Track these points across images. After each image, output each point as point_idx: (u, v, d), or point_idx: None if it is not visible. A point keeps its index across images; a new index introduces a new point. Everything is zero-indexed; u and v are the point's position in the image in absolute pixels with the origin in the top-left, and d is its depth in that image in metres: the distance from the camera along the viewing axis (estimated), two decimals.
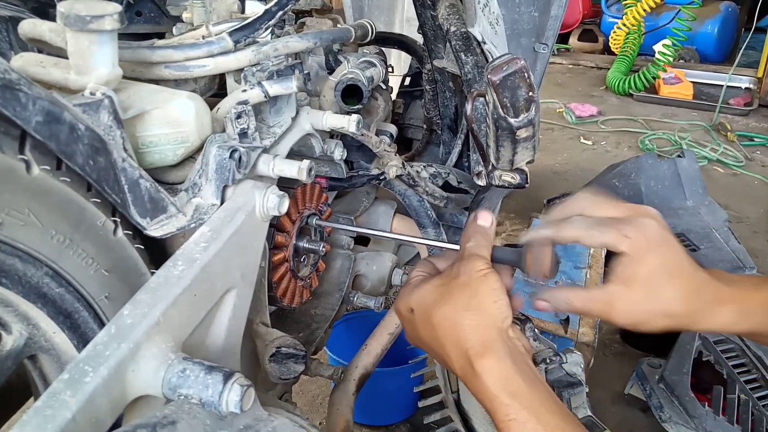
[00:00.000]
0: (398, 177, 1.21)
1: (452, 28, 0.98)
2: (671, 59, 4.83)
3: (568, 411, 0.66)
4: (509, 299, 0.70)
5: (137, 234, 0.74)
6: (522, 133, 0.78)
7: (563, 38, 6.46)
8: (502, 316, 0.68)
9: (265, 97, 0.81)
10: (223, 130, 0.78)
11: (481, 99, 0.82)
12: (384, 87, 1.23)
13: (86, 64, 0.65)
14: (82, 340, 0.73)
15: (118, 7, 0.63)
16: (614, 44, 5.58)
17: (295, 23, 1.18)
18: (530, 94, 0.75)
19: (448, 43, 1.08)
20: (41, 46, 0.73)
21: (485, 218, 0.76)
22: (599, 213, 0.72)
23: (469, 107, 0.80)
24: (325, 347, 1.78)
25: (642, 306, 0.69)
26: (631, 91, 4.95)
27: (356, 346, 1.30)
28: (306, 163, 0.81)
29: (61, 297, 0.69)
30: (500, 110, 0.76)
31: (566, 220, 0.72)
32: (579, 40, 6.45)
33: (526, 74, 0.74)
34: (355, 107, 1.01)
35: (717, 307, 0.70)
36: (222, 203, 0.76)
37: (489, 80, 0.74)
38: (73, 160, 0.60)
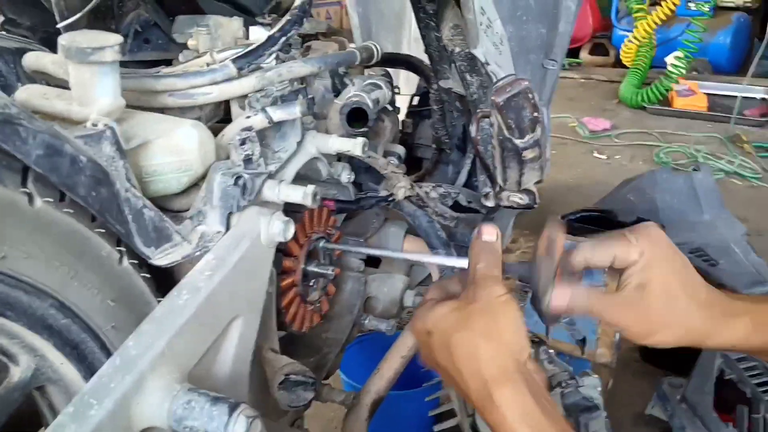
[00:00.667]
0: (407, 198, 1.20)
1: (456, 49, 0.98)
2: (684, 71, 4.80)
3: None
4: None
5: (143, 263, 0.74)
6: (528, 154, 0.77)
7: (574, 52, 6.44)
8: (521, 346, 0.66)
9: (269, 122, 0.81)
10: (228, 157, 0.78)
11: (487, 120, 0.82)
12: (391, 108, 1.23)
13: (88, 96, 0.65)
14: (89, 370, 0.72)
15: (119, 39, 0.63)
16: (626, 57, 5.55)
17: (301, 47, 1.19)
18: (535, 114, 0.74)
19: (453, 64, 1.07)
20: (45, 78, 0.74)
21: (490, 233, 0.72)
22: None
23: (474, 129, 0.79)
24: (339, 370, 1.77)
25: (657, 314, 0.67)
26: (644, 104, 4.90)
27: (370, 368, 1.28)
28: (311, 188, 0.81)
29: (68, 328, 0.69)
30: (505, 131, 0.75)
31: (571, 252, 0.71)
32: (590, 54, 6.42)
33: (530, 95, 0.73)
34: (360, 130, 1.01)
35: (730, 319, 0.68)
36: (227, 230, 0.76)
37: (493, 102, 0.73)
38: (75, 191, 0.60)
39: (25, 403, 0.75)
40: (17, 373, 0.69)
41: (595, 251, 0.70)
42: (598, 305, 0.70)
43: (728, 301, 0.69)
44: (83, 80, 0.65)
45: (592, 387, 0.92)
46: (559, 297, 0.70)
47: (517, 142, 0.74)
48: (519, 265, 0.76)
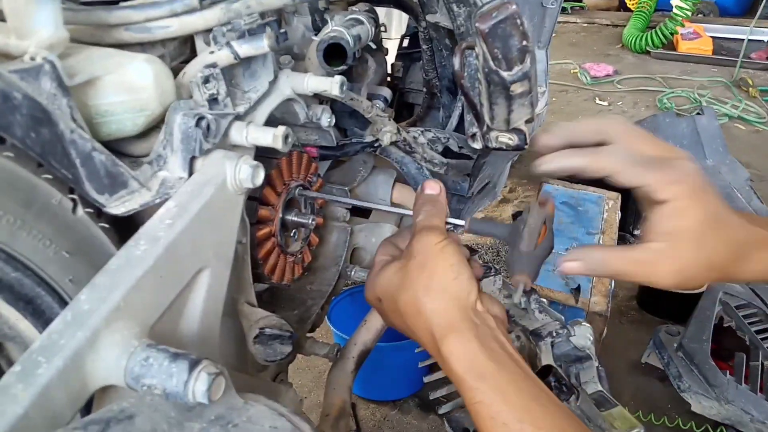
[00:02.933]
0: (394, 143, 1.14)
1: None
2: (689, 14, 4.66)
3: (540, 389, 0.61)
4: (470, 268, 0.66)
5: (101, 212, 0.69)
6: (517, 88, 0.71)
7: None
8: (465, 291, 0.64)
9: (235, 58, 0.74)
10: (191, 97, 0.72)
11: (473, 52, 0.75)
12: (375, 47, 1.16)
13: (25, 26, 0.58)
14: (47, 326, 0.68)
15: None
16: (630, 0, 5.38)
17: None
18: (524, 43, 0.67)
19: None
20: None
21: (432, 187, 0.73)
22: (635, 147, 0.65)
23: (457, 61, 0.72)
24: (329, 323, 1.74)
25: (690, 263, 0.63)
26: (648, 49, 4.79)
27: (361, 321, 1.24)
28: (281, 129, 0.75)
29: (19, 282, 0.64)
30: (491, 63, 0.68)
31: (602, 148, 0.66)
32: None
33: (518, 21, 0.66)
34: (339, 68, 0.94)
35: (756, 252, 0.65)
36: (191, 176, 0.70)
37: (477, 29, 0.66)
38: (11, 132, 0.54)
39: None
40: None
41: (627, 169, 0.63)
42: (620, 266, 0.65)
43: (754, 231, 0.66)
44: (18, 9, 0.58)
45: (583, 336, 0.88)
46: (569, 265, 0.66)
47: (504, 74, 0.68)
48: (491, 224, 0.73)
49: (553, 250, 0.71)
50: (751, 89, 3.97)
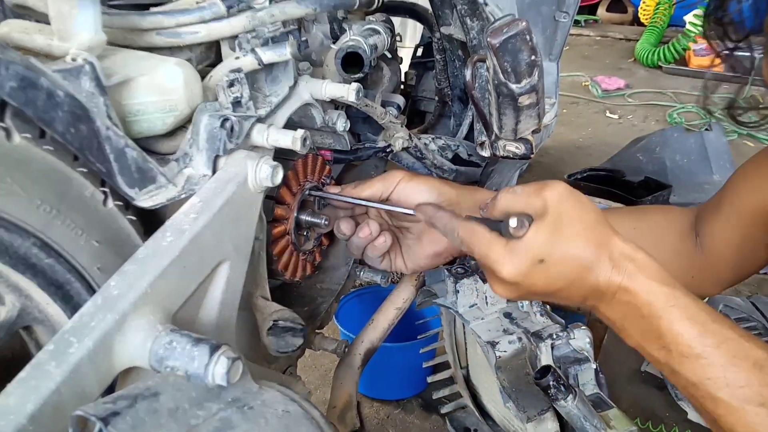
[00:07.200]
0: (405, 149, 1.18)
1: None
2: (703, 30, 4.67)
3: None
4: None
5: (129, 205, 0.73)
6: (524, 100, 0.75)
7: (591, 9, 6.29)
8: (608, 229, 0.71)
9: (259, 64, 0.79)
10: (216, 99, 0.76)
11: (483, 64, 0.79)
12: (390, 56, 1.20)
13: (68, 29, 0.63)
14: (75, 311, 0.72)
15: None
16: (644, 15, 5.42)
17: None
18: (533, 58, 0.71)
19: (454, 9, 1.04)
20: (28, 13, 0.72)
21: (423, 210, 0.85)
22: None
23: (468, 73, 0.76)
24: (336, 322, 1.78)
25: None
26: (660, 63, 4.81)
27: (367, 321, 1.28)
28: (300, 132, 0.79)
29: (52, 268, 0.68)
30: (501, 76, 0.72)
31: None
32: (608, 10, 6.27)
33: (528, 36, 0.70)
34: (356, 75, 0.98)
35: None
36: (214, 173, 0.75)
37: (488, 43, 0.70)
38: (52, 127, 0.59)
39: (19, 345, 0.76)
40: (3, 312, 0.69)
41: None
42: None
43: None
44: (62, 13, 0.63)
45: (582, 339, 0.91)
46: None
47: (513, 87, 0.72)
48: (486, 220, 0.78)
49: None
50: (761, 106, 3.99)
